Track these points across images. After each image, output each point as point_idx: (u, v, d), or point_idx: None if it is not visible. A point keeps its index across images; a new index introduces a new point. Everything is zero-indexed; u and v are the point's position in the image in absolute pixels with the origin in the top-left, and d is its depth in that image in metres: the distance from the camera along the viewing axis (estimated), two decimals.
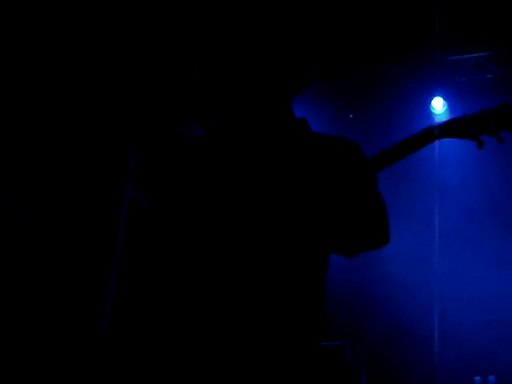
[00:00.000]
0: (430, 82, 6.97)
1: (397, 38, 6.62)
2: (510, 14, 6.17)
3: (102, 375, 4.13)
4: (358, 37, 6.49)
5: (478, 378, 5.89)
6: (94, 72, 4.75)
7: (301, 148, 2.02)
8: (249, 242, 1.90)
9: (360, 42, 6.61)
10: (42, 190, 4.47)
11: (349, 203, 1.98)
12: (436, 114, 7.05)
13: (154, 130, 5.16)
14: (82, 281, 4.45)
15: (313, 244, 1.96)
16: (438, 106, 7.01)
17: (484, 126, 2.14)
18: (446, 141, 2.27)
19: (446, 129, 2.18)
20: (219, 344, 1.85)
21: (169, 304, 1.97)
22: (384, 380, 6.60)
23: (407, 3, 6.15)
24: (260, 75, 2.01)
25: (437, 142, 2.25)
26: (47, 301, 4.27)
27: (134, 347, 4.26)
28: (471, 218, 6.61)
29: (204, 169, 2.03)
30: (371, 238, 2.04)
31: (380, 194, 2.05)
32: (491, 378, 5.85)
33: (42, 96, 4.48)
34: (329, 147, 2.04)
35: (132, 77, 4.98)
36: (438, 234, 6.42)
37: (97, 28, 4.72)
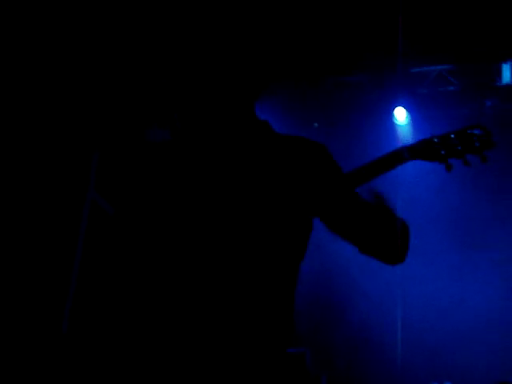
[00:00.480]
0: (392, 94, 7.05)
1: (360, 50, 6.69)
2: (471, 29, 6.28)
3: (60, 378, 4.09)
4: (322, 47, 6.55)
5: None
6: (56, 75, 4.72)
7: (265, 149, 1.99)
8: (214, 251, 1.87)
9: (324, 52, 6.66)
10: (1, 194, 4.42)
11: (324, 205, 1.97)
12: (398, 125, 7.14)
13: (118, 134, 5.14)
14: (41, 283, 4.40)
15: (280, 250, 1.92)
16: (401, 117, 7.10)
17: (452, 150, 2.23)
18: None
19: (416, 152, 2.26)
20: (183, 349, 1.84)
21: (128, 312, 1.95)
22: None
23: (371, 15, 6.22)
24: (218, 79, 1.97)
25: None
26: (5, 303, 4.23)
27: (93, 350, 4.23)
28: (433, 224, 6.70)
29: (164, 175, 1.99)
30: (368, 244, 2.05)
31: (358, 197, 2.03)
32: (447, 383, 5.92)
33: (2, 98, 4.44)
34: (294, 147, 2.00)
35: (94, 80, 4.96)
36: None
37: (59, 30, 4.70)
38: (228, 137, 2.01)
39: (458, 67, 6.95)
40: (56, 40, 4.66)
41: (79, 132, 4.87)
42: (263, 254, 1.90)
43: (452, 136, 2.23)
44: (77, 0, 4.72)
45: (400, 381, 6.45)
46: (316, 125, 7.16)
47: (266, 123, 2.08)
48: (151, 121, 4.98)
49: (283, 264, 1.94)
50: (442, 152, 2.22)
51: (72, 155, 4.83)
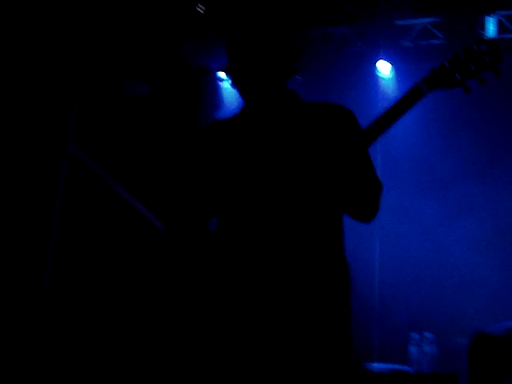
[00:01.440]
0: (376, 47, 6.98)
1: (344, 1, 6.62)
2: None
3: (41, 336, 4.08)
4: None
5: (414, 334, 6.04)
6: (30, 24, 4.60)
7: (297, 117, 2.21)
8: (266, 212, 2.09)
9: (306, 4, 6.57)
10: None
11: (344, 167, 2.14)
12: (383, 79, 7.08)
13: (96, 89, 5.05)
14: (20, 239, 4.36)
15: (320, 206, 2.15)
16: (385, 70, 7.04)
17: (467, 71, 2.23)
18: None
19: (434, 82, 2.26)
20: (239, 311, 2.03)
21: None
22: None
23: None
24: (253, 66, 2.20)
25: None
26: None
27: (74, 308, 4.21)
28: (411, 176, 6.75)
29: (212, 150, 2.25)
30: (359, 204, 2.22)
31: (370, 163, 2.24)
32: (428, 334, 6.00)
33: None
34: (324, 113, 2.26)
35: (73, 31, 4.84)
36: None
37: None
38: (268, 103, 2.26)
39: (442, 20, 6.88)
40: None
41: (57, 83, 4.78)
42: (306, 211, 2.14)
43: (461, 57, 2.24)
44: None
45: (380, 332, 6.51)
46: (300, 78, 7.07)
47: (293, 92, 2.35)
48: (131, 72, 4.89)
49: (324, 216, 2.19)
50: (458, 76, 2.24)
51: (50, 106, 4.75)
